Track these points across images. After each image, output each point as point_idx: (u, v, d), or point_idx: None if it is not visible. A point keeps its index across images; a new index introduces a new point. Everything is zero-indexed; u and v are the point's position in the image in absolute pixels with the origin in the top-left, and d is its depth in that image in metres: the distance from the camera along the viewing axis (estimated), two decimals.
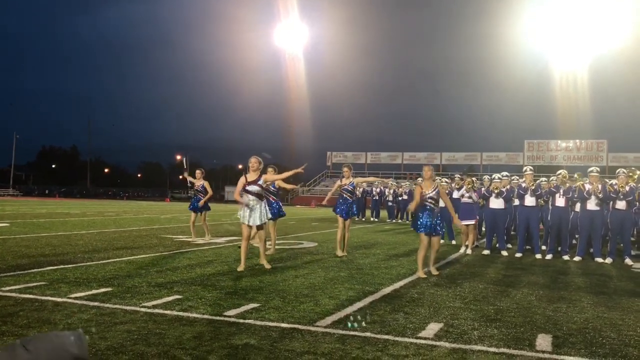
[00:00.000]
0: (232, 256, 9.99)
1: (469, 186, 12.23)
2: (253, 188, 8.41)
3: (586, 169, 11.77)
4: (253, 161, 8.48)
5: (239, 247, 9.73)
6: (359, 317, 5.40)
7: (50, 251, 9.89)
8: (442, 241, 14.19)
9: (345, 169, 10.99)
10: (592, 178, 10.96)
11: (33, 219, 19.71)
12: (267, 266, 8.56)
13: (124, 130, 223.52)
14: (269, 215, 8.75)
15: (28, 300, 5.75)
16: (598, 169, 11.37)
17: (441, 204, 8.93)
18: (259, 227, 8.50)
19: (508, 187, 11.81)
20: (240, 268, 8.27)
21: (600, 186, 10.85)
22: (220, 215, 26.11)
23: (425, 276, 8.21)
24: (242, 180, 8.46)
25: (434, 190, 8.41)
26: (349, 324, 5.08)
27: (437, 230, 8.43)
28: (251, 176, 8.46)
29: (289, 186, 11.47)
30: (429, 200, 8.38)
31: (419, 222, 8.41)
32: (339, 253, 10.54)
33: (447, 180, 15.31)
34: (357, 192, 11.19)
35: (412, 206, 8.49)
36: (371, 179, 12.61)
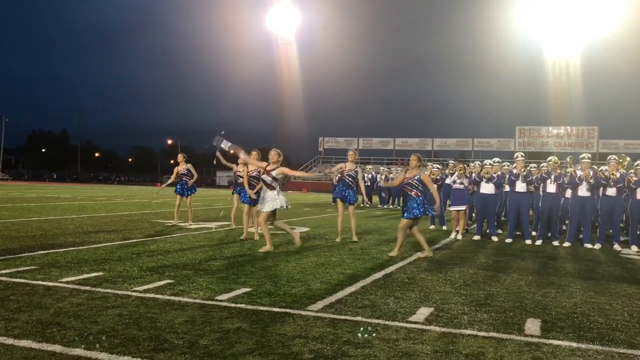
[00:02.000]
0: (224, 240, 10.01)
1: (461, 172, 12.27)
2: (266, 178, 8.94)
3: (577, 156, 11.85)
4: (272, 154, 9.03)
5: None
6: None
7: (40, 235, 9.85)
8: (432, 227, 14.43)
9: (350, 153, 10.95)
10: (583, 164, 11.04)
11: (23, 203, 19.60)
12: (269, 248, 8.87)
13: (115, 113, 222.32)
14: (282, 205, 8.94)
15: (19, 284, 5.73)
16: (590, 155, 11.44)
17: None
18: (272, 212, 8.95)
19: (499, 172, 11.86)
20: (266, 249, 8.82)
21: (591, 172, 10.92)
22: (212, 200, 26.09)
23: (393, 255, 8.72)
24: (264, 164, 9.10)
25: (415, 177, 8.72)
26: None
27: (414, 214, 8.70)
28: (269, 167, 9.00)
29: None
30: (407, 187, 8.77)
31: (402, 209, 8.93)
32: (338, 239, 10.70)
33: (438, 165, 15.35)
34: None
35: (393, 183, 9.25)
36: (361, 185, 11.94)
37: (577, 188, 11.09)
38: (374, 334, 4.34)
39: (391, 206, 25.26)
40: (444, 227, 14.37)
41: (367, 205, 25.27)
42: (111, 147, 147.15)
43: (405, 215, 8.71)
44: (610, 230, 11.55)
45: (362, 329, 4.46)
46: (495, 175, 11.67)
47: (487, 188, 11.72)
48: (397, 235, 9.05)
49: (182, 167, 12.97)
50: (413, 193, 8.70)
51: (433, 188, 8.90)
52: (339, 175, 10.98)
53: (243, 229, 10.83)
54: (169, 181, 13.56)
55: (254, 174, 10.57)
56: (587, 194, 11.06)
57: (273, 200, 8.84)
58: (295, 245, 9.27)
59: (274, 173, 8.90)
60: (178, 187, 13.05)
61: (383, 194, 26.37)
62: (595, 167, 11.58)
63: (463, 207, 12.16)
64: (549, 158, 11.98)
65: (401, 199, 24.89)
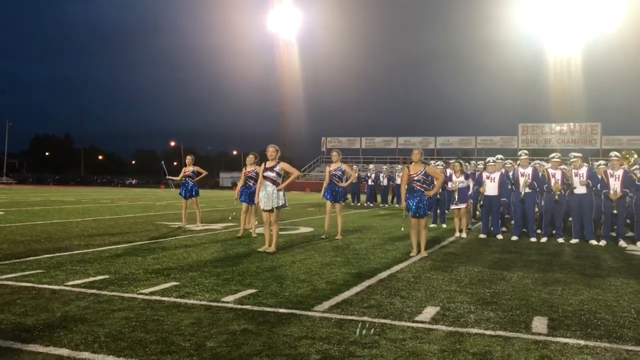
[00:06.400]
0: (229, 242, 10.01)
1: (458, 171, 12.31)
2: (269, 174, 8.89)
3: (580, 152, 11.81)
4: (271, 150, 8.98)
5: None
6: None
7: (46, 239, 9.87)
8: (434, 225, 14.39)
9: (333, 154, 11.16)
10: (575, 163, 11.09)
11: (28, 207, 19.65)
12: (271, 250, 8.80)
13: (118, 117, 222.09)
14: (281, 202, 8.92)
15: (25, 288, 5.75)
16: (580, 155, 11.44)
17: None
18: (270, 211, 8.92)
19: (503, 170, 11.82)
20: (264, 249, 8.87)
21: (586, 171, 10.96)
22: (216, 202, 26.10)
23: (415, 254, 8.73)
24: (261, 167, 9.06)
25: (421, 172, 8.70)
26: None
27: (420, 213, 8.68)
28: (269, 163, 8.97)
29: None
30: (416, 182, 8.70)
31: (407, 204, 8.77)
32: (324, 236, 10.98)
33: (442, 163, 15.37)
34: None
35: (402, 188, 8.94)
36: (353, 177, 11.94)
37: (572, 187, 11.16)
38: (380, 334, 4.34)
39: (397, 205, 25.21)
40: (444, 225, 14.35)
41: (371, 205, 25.28)
42: (115, 150, 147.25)
43: (413, 213, 8.72)
44: (615, 227, 11.49)
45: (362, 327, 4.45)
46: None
47: (490, 189, 11.68)
48: (409, 234, 9.05)
49: (189, 169, 13.02)
50: (418, 186, 8.69)
51: (440, 177, 8.96)
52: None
53: (246, 228, 11.14)
54: (176, 178, 13.53)
55: (251, 174, 10.78)
56: (584, 191, 11.03)
57: (276, 198, 8.84)
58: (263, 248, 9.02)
59: (277, 169, 8.90)
60: (182, 189, 13.10)
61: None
62: (594, 163, 11.54)
63: (464, 205, 12.13)
64: (551, 155, 11.96)
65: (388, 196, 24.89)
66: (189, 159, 13.18)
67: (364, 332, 4.34)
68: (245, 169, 11.05)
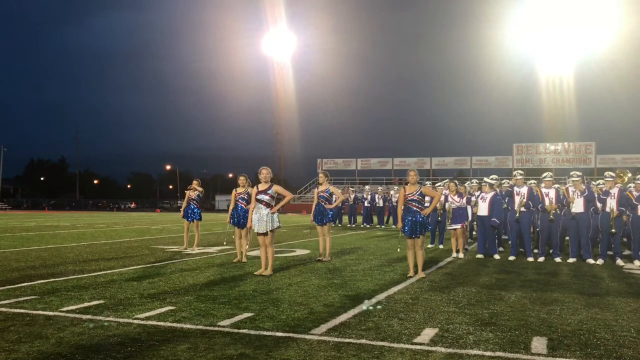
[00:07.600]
0: (225, 266, 9.95)
1: (454, 191, 12.34)
2: (263, 197, 8.85)
3: (575, 172, 11.85)
4: (264, 172, 8.97)
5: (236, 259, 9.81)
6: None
7: (40, 264, 9.79)
8: (431, 245, 14.36)
9: (320, 175, 11.15)
10: (576, 184, 11.10)
11: (22, 232, 19.53)
12: (267, 273, 8.76)
13: (113, 141, 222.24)
14: (275, 225, 8.88)
15: (19, 314, 5.68)
16: (579, 173, 11.46)
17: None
18: (264, 234, 8.87)
19: (498, 190, 11.85)
20: (260, 272, 8.80)
21: (585, 189, 10.97)
22: (211, 225, 26.00)
23: (412, 275, 8.70)
24: (254, 190, 9.02)
25: (417, 192, 8.69)
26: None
27: (416, 233, 8.65)
28: (262, 186, 8.94)
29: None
30: (411, 203, 8.68)
31: (402, 225, 8.76)
32: (319, 257, 10.96)
33: (441, 185, 15.41)
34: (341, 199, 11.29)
35: (398, 209, 8.89)
36: (340, 198, 11.78)
37: (569, 205, 11.17)
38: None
39: (393, 226, 25.18)
40: (441, 246, 14.31)
41: (368, 227, 25.23)
42: (110, 174, 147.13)
43: (408, 233, 8.71)
44: (613, 245, 11.49)
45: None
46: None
47: (482, 209, 11.70)
48: (406, 255, 9.03)
49: (194, 193, 12.97)
50: (414, 206, 8.67)
51: (437, 196, 8.95)
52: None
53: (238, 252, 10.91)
54: (183, 205, 13.28)
55: (242, 196, 10.67)
56: (581, 210, 11.04)
57: (270, 220, 8.81)
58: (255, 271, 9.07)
59: (270, 192, 8.88)
60: (185, 212, 12.97)
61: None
62: (593, 182, 11.59)
63: (458, 226, 12.12)
64: (543, 174, 12.00)
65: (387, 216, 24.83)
66: (195, 182, 13.17)
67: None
68: (236, 191, 10.90)
